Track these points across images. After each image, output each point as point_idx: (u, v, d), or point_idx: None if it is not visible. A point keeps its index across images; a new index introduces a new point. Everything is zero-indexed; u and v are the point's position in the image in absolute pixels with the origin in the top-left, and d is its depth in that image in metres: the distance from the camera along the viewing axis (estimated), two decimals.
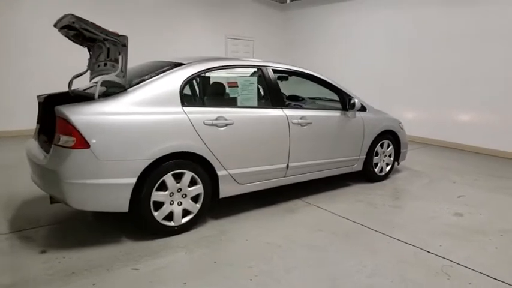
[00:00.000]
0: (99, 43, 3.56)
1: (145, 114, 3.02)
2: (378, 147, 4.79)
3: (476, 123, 7.21)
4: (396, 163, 5.21)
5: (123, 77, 3.06)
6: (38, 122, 3.77)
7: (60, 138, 2.81)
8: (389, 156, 5.03)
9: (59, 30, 3.51)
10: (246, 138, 3.53)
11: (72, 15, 2.93)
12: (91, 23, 2.93)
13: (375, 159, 4.82)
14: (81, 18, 2.91)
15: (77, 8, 7.69)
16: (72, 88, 3.78)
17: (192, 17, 9.22)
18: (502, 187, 4.99)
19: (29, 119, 7.19)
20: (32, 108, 7.27)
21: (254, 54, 10.34)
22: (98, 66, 3.71)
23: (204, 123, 3.26)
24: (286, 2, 11.02)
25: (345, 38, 9.55)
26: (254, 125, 3.59)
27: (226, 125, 3.37)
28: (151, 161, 3.00)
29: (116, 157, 2.87)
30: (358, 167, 4.66)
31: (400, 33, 8.33)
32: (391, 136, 4.93)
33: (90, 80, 3.94)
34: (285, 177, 3.94)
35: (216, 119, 3.33)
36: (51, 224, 3.43)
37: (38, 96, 3.79)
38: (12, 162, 5.45)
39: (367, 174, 4.82)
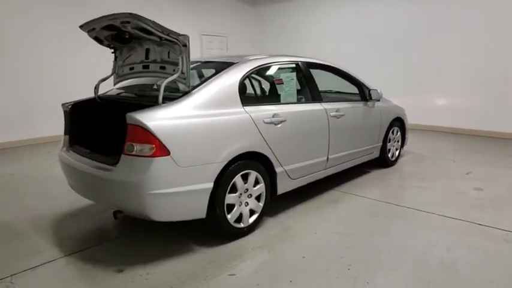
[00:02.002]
0: (134, 44, 3.38)
1: (214, 116, 2.93)
2: (390, 134, 5.05)
3: (454, 106, 7.87)
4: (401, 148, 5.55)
5: (185, 79, 2.93)
6: (66, 133, 3.47)
7: (135, 147, 2.63)
8: (397, 141, 5.33)
9: (90, 31, 3.27)
10: (297, 134, 3.56)
11: (131, 13, 2.75)
12: (151, 21, 2.77)
13: (388, 145, 5.08)
14: (141, 17, 2.74)
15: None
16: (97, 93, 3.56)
17: (165, 15, 8.91)
18: (493, 161, 5.54)
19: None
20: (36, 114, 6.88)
21: (228, 50, 10.27)
22: (131, 69, 3.53)
23: (263, 121, 3.24)
24: None
25: (316, 31, 9.83)
26: (302, 120, 3.63)
27: (281, 122, 3.38)
28: (225, 163, 2.92)
29: (194, 162, 2.76)
30: (376, 154, 4.90)
31: (371, 27, 8.77)
32: (398, 123, 5.23)
33: (115, 84, 3.72)
34: (325, 169, 4.03)
35: (273, 117, 3.32)
36: (112, 240, 3.20)
37: (63, 105, 3.50)
38: (35, 174, 5.10)
39: (382, 160, 5.07)
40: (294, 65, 3.82)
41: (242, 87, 3.23)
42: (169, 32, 2.82)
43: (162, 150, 2.61)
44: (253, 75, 3.45)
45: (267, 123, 3.26)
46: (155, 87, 3.75)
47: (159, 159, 2.61)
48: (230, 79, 3.16)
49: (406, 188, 4.40)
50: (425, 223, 3.44)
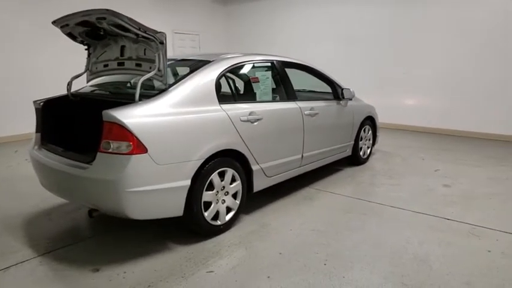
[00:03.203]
0: (109, 41, 3.34)
1: (191, 114, 2.93)
2: (361, 133, 5.19)
3: (422, 105, 8.16)
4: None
5: (162, 76, 2.92)
6: (38, 130, 3.38)
7: (111, 145, 2.60)
8: (369, 140, 5.48)
9: (63, 27, 3.20)
10: (273, 132, 3.61)
11: (108, 9, 2.71)
12: (128, 18, 2.74)
13: (360, 143, 5.21)
14: (118, 13, 2.71)
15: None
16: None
17: (137, 12, 8.72)
18: (461, 159, 5.80)
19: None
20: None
21: (200, 48, 10.21)
22: (105, 66, 3.48)
23: (240, 119, 3.26)
24: None
25: (286, 31, 9.93)
26: (278, 118, 3.68)
27: (257, 120, 3.42)
28: (203, 161, 2.93)
29: (171, 160, 2.76)
30: (349, 152, 5.01)
31: (341, 26, 8.96)
32: (370, 122, 5.37)
33: (88, 81, 3.66)
34: (299, 167, 4.10)
35: (249, 115, 3.36)
36: (86, 239, 3.14)
37: (35, 102, 3.40)
38: (2, 174, 4.94)
39: (354, 158, 5.19)
40: (269, 64, 3.87)
41: (218, 85, 3.24)
42: (146, 29, 2.80)
43: (140, 147, 2.59)
44: (229, 74, 3.47)
45: (243, 121, 3.29)
46: (129, 84, 3.72)
47: (137, 156, 2.59)
48: (207, 77, 3.17)
49: (377, 185, 4.53)
50: (396, 219, 3.57)
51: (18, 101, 6.96)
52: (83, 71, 3.57)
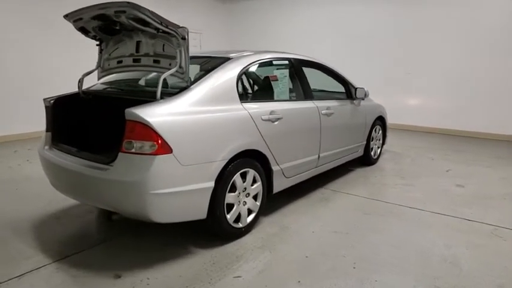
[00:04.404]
0: (123, 37, 3.21)
1: (214, 112, 2.83)
2: (373, 133, 5.13)
3: (428, 106, 8.14)
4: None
5: (183, 73, 2.80)
6: (48, 129, 3.24)
7: (134, 145, 2.49)
8: (379, 140, 5.42)
9: (76, 21, 3.07)
10: (292, 132, 3.52)
11: (129, 2, 2.59)
12: (150, 11, 2.62)
13: (371, 143, 5.16)
14: (139, 6, 2.59)
15: None
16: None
17: None
18: (471, 159, 5.79)
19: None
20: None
21: (201, 47, 10.07)
22: (119, 62, 3.35)
23: (261, 118, 3.17)
24: None
25: (287, 29, 9.85)
26: (297, 118, 3.60)
27: (278, 119, 3.32)
28: (226, 161, 2.83)
29: (196, 161, 2.65)
30: (361, 152, 4.95)
31: (344, 26, 8.92)
32: (380, 122, 5.31)
33: (100, 79, 3.53)
34: (316, 167, 4.01)
35: (270, 114, 3.26)
36: (103, 243, 3.00)
37: (45, 100, 3.26)
38: (4, 175, 4.77)
39: (365, 159, 5.13)
40: (287, 62, 3.78)
41: (239, 83, 3.15)
42: (168, 24, 2.69)
43: (165, 147, 2.48)
44: (248, 71, 3.36)
45: (264, 120, 3.19)
46: (141, 82, 3.61)
47: (162, 157, 2.47)
48: (228, 74, 3.06)
49: (391, 186, 4.47)
50: (417, 220, 3.51)
51: (14, 99, 6.76)
52: (94, 68, 3.44)
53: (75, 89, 3.44)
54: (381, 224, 3.40)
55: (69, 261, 2.73)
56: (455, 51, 7.59)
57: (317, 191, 4.24)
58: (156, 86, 2.68)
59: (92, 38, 3.36)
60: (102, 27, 3.13)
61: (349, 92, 4.60)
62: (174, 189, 2.55)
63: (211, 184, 2.74)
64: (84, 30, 3.23)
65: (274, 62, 3.66)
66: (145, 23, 2.75)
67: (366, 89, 4.61)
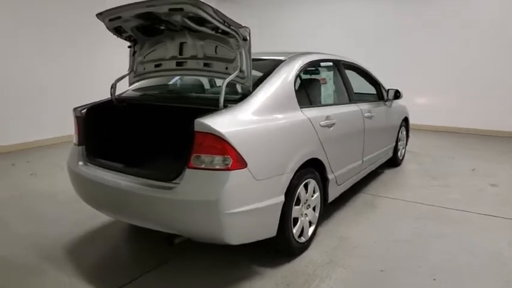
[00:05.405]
0: (163, 38, 2.92)
1: (280, 120, 2.61)
2: (399, 134, 5.02)
3: (433, 105, 8.15)
4: None
5: (244, 78, 2.56)
6: (81, 143, 2.91)
7: (205, 159, 2.23)
8: (403, 141, 5.33)
9: (112, 20, 2.76)
10: (343, 137, 3.34)
11: None
12: (214, 9, 2.35)
13: (398, 145, 5.05)
14: (202, 3, 2.32)
15: None
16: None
17: None
18: (490, 157, 5.80)
19: None
20: None
21: None
22: (157, 66, 3.06)
23: (320, 125, 2.97)
24: None
25: (291, 27, 9.60)
26: (348, 122, 3.43)
27: (333, 125, 3.13)
28: (293, 173, 2.61)
29: (268, 174, 2.42)
30: (391, 154, 4.83)
31: (349, 24, 8.82)
32: (404, 122, 5.22)
33: (132, 84, 3.24)
34: (359, 172, 3.86)
35: (326, 119, 3.06)
36: (151, 269, 2.69)
37: (75, 110, 2.94)
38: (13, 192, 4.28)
39: (393, 160, 5.01)
40: (331, 63, 3.59)
41: (295, 88, 2.93)
42: (230, 23, 2.43)
43: (240, 162, 2.24)
44: (300, 74, 3.15)
45: (322, 126, 2.99)
46: (183, 88, 3.34)
47: (236, 172, 2.23)
48: (285, 78, 2.84)
49: (427, 187, 4.37)
50: (471, 223, 3.42)
51: (7, 108, 6.26)
52: (126, 72, 3.14)
53: (96, 96, 3.13)
54: (437, 229, 3.28)
55: None
56: (463, 50, 7.60)
57: (358, 196, 4.07)
58: (222, 92, 2.41)
59: (126, 39, 3.06)
60: (142, 27, 2.84)
61: (381, 93, 4.46)
62: (249, 207, 2.31)
63: (282, 198, 2.52)
64: (118, 31, 2.92)
65: (323, 64, 3.46)
66: (203, 23, 2.48)
67: (400, 90, 4.47)
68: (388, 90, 4.44)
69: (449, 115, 7.99)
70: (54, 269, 2.70)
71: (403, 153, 5.33)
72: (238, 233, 2.33)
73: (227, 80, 2.46)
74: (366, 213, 3.64)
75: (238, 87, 2.80)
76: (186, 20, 2.50)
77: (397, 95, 4.46)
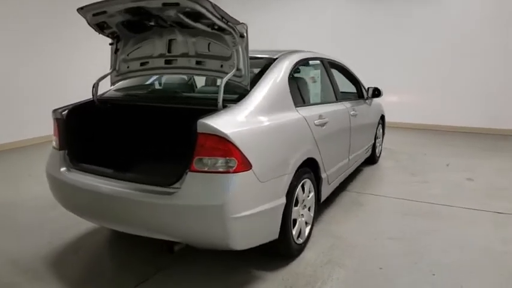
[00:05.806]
0: (149, 34, 2.77)
1: (280, 119, 2.55)
2: (376, 131, 5.11)
3: (405, 102, 8.32)
4: None
5: (241, 77, 2.47)
6: (62, 147, 2.71)
7: (208, 162, 2.13)
8: (379, 138, 5.43)
9: (96, 15, 2.59)
10: (333, 136, 3.34)
11: None
12: (212, 4, 2.25)
13: (375, 142, 5.14)
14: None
15: None
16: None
17: None
18: (460, 153, 6.03)
19: None
20: None
21: None
22: (143, 64, 2.91)
23: (314, 124, 2.94)
24: None
25: (271, 28, 9.44)
26: (337, 121, 3.43)
27: (325, 123, 3.11)
28: (293, 173, 2.57)
29: (272, 175, 2.36)
30: (369, 151, 4.89)
31: (327, 24, 8.86)
32: (381, 120, 5.31)
33: (114, 83, 3.07)
34: (346, 170, 3.88)
35: (319, 118, 3.04)
36: (149, 277, 2.54)
37: (55, 112, 2.73)
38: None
39: (371, 158, 5.09)
40: (319, 62, 3.58)
41: (289, 86, 2.87)
42: (228, 19, 2.33)
43: (245, 164, 2.16)
44: (292, 73, 3.09)
45: (317, 125, 2.97)
46: (170, 87, 3.20)
47: (242, 174, 2.15)
48: (280, 76, 2.78)
49: (408, 184, 4.47)
50: (457, 217, 3.52)
51: None
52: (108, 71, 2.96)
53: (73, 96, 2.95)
54: (427, 225, 3.35)
55: None
56: (439, 50, 7.79)
57: (342, 194, 4.09)
58: (220, 92, 2.31)
59: (108, 36, 2.87)
60: (128, 22, 2.67)
61: (361, 91, 4.51)
62: (254, 210, 2.24)
63: (284, 200, 2.47)
64: (100, 26, 2.74)
65: (312, 62, 3.43)
66: (199, 18, 2.36)
67: (380, 88, 4.54)
68: (368, 88, 4.50)
69: (430, 113, 8.08)
70: (35, 284, 2.49)
71: (380, 151, 5.43)
72: (243, 238, 2.25)
73: (225, 79, 2.36)
74: (354, 211, 3.66)
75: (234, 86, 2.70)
76: (181, 16, 2.37)
77: (376, 93, 4.53)
